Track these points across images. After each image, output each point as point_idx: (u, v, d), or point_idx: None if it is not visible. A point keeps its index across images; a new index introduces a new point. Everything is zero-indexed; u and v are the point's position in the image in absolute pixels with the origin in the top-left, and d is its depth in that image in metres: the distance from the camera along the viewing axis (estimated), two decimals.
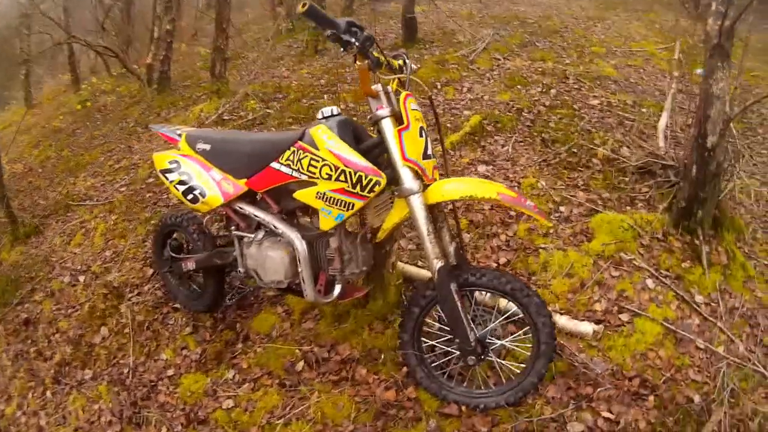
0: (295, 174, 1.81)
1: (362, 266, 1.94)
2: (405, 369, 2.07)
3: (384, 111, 1.68)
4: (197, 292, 2.51)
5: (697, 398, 1.85)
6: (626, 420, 1.81)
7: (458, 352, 1.82)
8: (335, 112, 1.80)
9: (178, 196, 2.16)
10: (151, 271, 2.82)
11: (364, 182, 1.66)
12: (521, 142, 3.55)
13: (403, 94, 1.71)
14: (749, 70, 4.65)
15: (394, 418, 1.93)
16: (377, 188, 1.66)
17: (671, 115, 3.33)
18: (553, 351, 1.80)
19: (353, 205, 1.71)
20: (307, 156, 1.76)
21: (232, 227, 2.16)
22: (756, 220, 2.59)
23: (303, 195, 1.81)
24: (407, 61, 1.82)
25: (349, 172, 1.67)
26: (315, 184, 1.76)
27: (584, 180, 3.00)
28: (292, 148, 1.81)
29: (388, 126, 1.67)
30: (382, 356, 2.16)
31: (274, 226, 1.96)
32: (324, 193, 1.73)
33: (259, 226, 2.09)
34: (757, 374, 1.91)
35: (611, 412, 1.84)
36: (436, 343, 1.95)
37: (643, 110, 3.70)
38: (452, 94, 4.25)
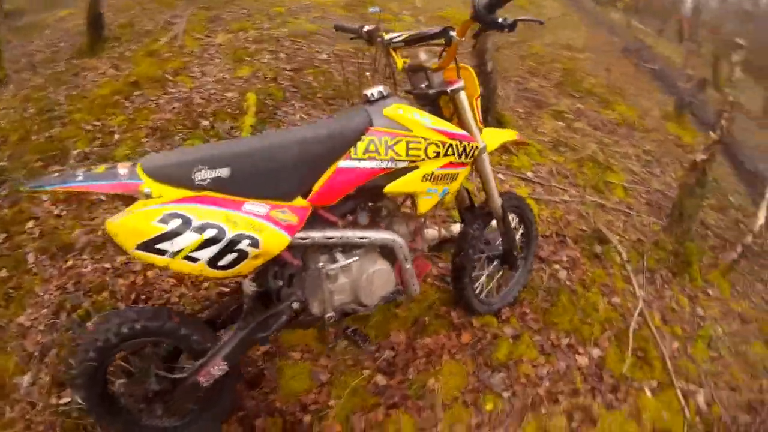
0: (387, 165, 1.79)
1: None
2: (453, 313, 2.63)
3: (461, 83, 2.05)
4: (202, 408, 1.91)
5: (584, 226, 3.33)
6: (572, 256, 3.10)
7: (510, 262, 2.57)
8: (388, 90, 1.90)
9: (195, 271, 1.50)
10: None
11: (468, 150, 2.02)
12: (304, 106, 4.06)
13: (466, 65, 2.11)
14: None
15: (487, 347, 2.52)
16: (476, 152, 2.07)
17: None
18: (537, 235, 2.82)
19: (458, 175, 2.04)
20: (401, 140, 1.80)
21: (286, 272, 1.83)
22: (512, 112, 4.28)
23: (402, 185, 1.85)
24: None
25: (455, 144, 1.97)
26: (416, 168, 1.88)
27: None
28: (366, 138, 1.75)
29: (464, 96, 2.08)
30: (426, 319, 2.60)
31: (360, 238, 1.86)
32: (432, 173, 1.93)
33: (306, 253, 1.85)
34: (592, 203, 3.55)
35: (562, 256, 3.09)
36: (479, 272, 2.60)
37: (366, 54, 4.82)
38: (191, 82, 4.15)
